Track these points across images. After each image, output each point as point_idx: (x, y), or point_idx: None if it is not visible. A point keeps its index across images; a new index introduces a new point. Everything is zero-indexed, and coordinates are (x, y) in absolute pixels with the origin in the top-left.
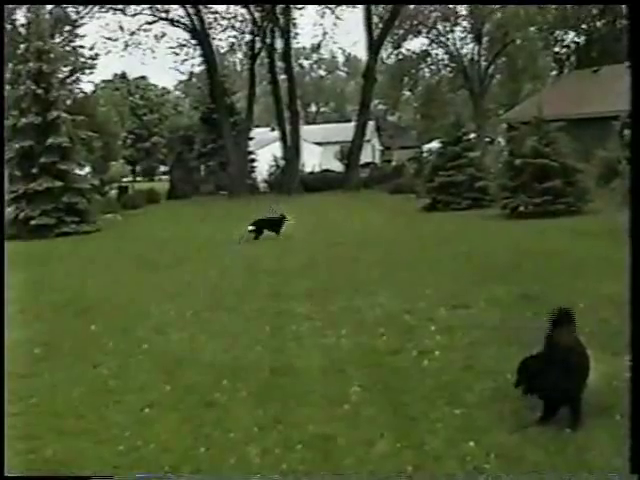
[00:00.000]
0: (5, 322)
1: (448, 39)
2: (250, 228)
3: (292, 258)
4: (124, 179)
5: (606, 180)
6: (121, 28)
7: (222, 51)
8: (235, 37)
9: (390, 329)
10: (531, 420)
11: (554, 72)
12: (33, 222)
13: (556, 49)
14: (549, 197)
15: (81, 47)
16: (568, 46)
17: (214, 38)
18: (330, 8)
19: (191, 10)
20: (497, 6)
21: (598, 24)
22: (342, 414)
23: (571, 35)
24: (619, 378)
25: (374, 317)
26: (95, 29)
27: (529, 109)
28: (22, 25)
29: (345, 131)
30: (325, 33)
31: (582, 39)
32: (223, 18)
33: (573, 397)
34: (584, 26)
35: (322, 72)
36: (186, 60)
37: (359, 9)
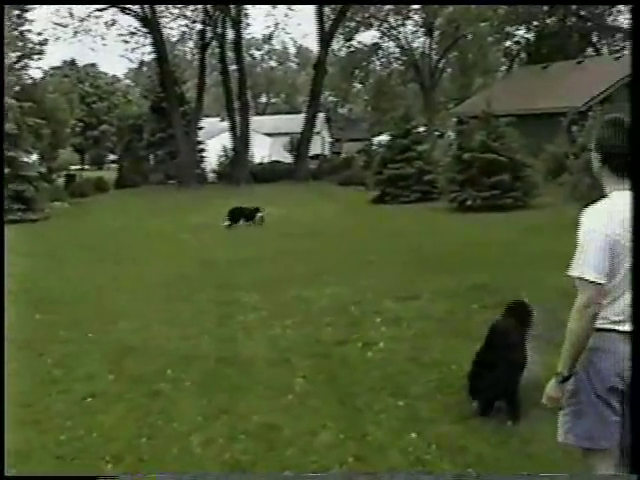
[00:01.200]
0: (5, 322)
1: (399, 32)
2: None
3: (241, 249)
4: (72, 167)
5: (554, 175)
6: (71, 14)
7: (173, 40)
8: (186, 26)
9: (336, 320)
10: (475, 411)
11: (504, 67)
12: None
13: (507, 44)
14: (497, 191)
15: (29, 32)
16: (519, 42)
17: (165, 27)
18: None
19: None
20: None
21: (548, 21)
22: (286, 404)
23: (522, 31)
24: None
25: (321, 308)
26: (45, 14)
27: (479, 103)
28: None
29: (295, 122)
30: (277, 24)
31: (532, 35)
32: (174, 7)
33: (507, 391)
34: (535, 22)
35: (273, 63)
36: (136, 48)
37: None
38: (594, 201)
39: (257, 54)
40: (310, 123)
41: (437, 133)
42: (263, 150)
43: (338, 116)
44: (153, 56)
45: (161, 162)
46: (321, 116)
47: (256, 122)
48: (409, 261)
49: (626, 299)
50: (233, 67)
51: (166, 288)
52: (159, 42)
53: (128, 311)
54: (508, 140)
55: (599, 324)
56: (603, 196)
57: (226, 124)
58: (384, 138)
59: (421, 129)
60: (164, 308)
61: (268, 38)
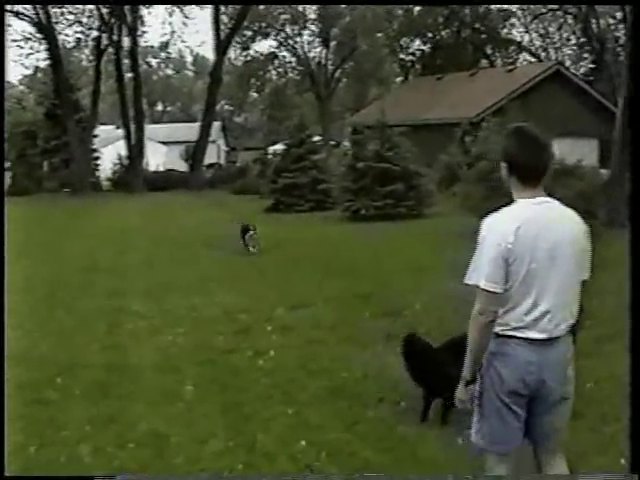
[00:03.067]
0: (5, 322)
1: (296, 42)
2: None
3: (132, 256)
4: None
5: (447, 185)
6: None
7: (68, 46)
8: (82, 33)
9: (227, 328)
10: (363, 418)
11: (400, 78)
12: None
13: (402, 56)
14: (391, 200)
15: None
16: (414, 53)
17: (60, 33)
18: (179, 7)
19: None
20: (346, 10)
21: (443, 33)
22: (175, 412)
23: (417, 42)
24: None
25: (212, 316)
26: None
27: (374, 113)
28: None
29: (191, 131)
30: (173, 32)
31: (428, 47)
32: (70, 13)
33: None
34: (430, 34)
35: (170, 71)
36: (31, 54)
37: (208, 8)
38: (488, 211)
39: (154, 62)
40: (205, 132)
41: (332, 142)
42: (158, 158)
43: (234, 125)
44: (48, 62)
45: (55, 169)
46: (217, 125)
47: (151, 130)
48: (301, 269)
49: (525, 306)
50: (129, 75)
51: (50, 297)
52: (54, 48)
53: (13, 319)
54: (402, 150)
55: (500, 330)
56: (506, 204)
57: (121, 132)
58: (279, 147)
59: (316, 138)
60: (48, 316)
61: (165, 46)
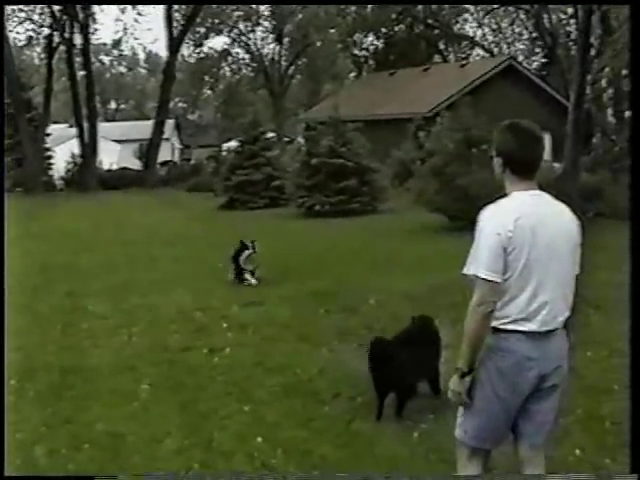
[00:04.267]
0: (5, 323)
1: (249, 39)
2: None
3: (87, 256)
4: None
5: (401, 180)
6: None
7: (19, 44)
8: (33, 30)
9: (183, 327)
10: (319, 414)
11: (353, 74)
12: None
13: (355, 52)
14: (345, 196)
15: None
16: (367, 49)
17: (11, 31)
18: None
19: None
20: (299, 7)
21: (397, 28)
22: (131, 412)
23: (370, 38)
24: None
25: (167, 315)
26: None
27: (327, 109)
28: None
29: (144, 129)
30: (126, 29)
31: (381, 42)
32: (21, 10)
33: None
34: (383, 30)
35: (122, 69)
36: None
37: (160, 5)
38: (440, 205)
39: (106, 60)
40: (159, 129)
41: (286, 139)
42: (112, 157)
43: (188, 122)
44: None
45: (8, 169)
46: (170, 122)
47: (105, 128)
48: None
49: (525, 296)
50: (81, 73)
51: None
52: (5, 46)
53: None
54: (355, 145)
55: (499, 323)
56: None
57: (74, 130)
58: (233, 144)
59: (270, 135)
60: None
61: (117, 43)
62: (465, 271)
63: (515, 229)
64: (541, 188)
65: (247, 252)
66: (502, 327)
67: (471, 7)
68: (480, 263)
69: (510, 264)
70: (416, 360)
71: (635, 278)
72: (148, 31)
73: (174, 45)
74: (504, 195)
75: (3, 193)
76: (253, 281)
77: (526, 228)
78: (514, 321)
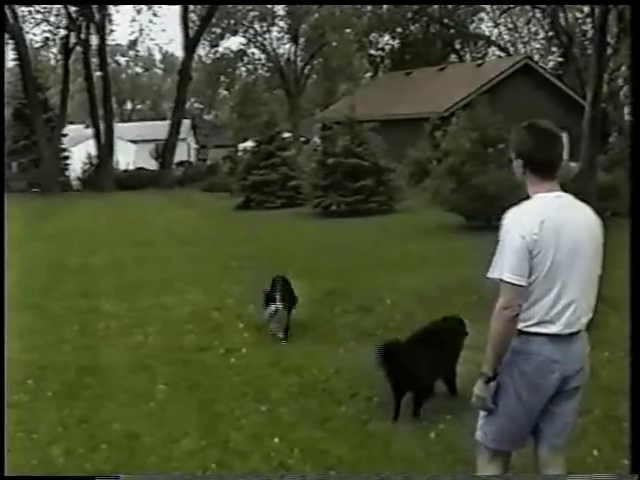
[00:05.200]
0: (5, 323)
1: (265, 39)
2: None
3: (102, 256)
4: None
5: (417, 180)
6: None
7: (36, 45)
8: (49, 32)
9: (198, 326)
10: (336, 414)
11: (369, 74)
12: None
13: (371, 51)
14: (361, 196)
15: None
16: (383, 49)
17: (28, 32)
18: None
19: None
20: (314, 6)
21: (412, 28)
22: (148, 412)
23: (386, 38)
24: None
25: (183, 315)
26: None
27: (343, 109)
28: None
29: (160, 129)
30: (141, 30)
31: (397, 42)
32: (37, 12)
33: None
34: (399, 29)
35: (139, 69)
36: None
37: (176, 6)
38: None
39: (122, 60)
40: (175, 130)
41: (302, 139)
42: (128, 157)
43: (204, 123)
44: (15, 62)
45: (24, 170)
46: (186, 123)
47: (121, 129)
48: (271, 266)
49: (550, 298)
50: (98, 73)
51: (19, 298)
52: (22, 47)
53: None
54: (371, 145)
55: (523, 326)
56: (526, 198)
57: (91, 131)
58: (249, 144)
59: (286, 135)
60: (17, 318)
61: (133, 44)
62: (489, 275)
63: (540, 232)
64: (563, 189)
65: (273, 308)
66: (526, 330)
67: (487, 6)
68: (505, 267)
69: (535, 267)
70: (433, 360)
71: (635, 283)
72: (163, 32)
73: (190, 45)
74: (526, 197)
75: (3, 193)
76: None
77: (551, 230)
78: (538, 323)
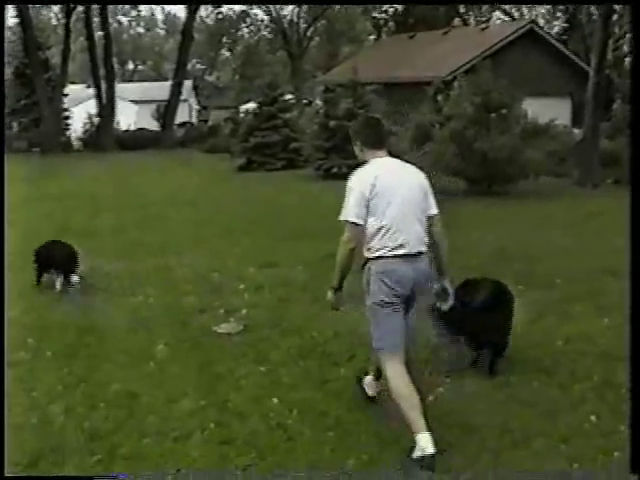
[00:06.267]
0: (5, 324)
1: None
2: None
3: (103, 217)
4: None
5: (419, 143)
6: None
7: (37, 5)
8: None
9: (198, 288)
10: (335, 376)
11: (373, 37)
12: None
13: (375, 14)
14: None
15: None
16: (386, 11)
17: None
18: None
19: None
20: None
21: None
22: (147, 372)
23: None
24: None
25: (183, 276)
26: None
27: (346, 72)
28: None
29: (162, 90)
30: None
31: (401, 5)
32: None
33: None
34: None
35: (140, 29)
36: None
37: None
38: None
39: (124, 20)
40: (177, 90)
41: (304, 101)
42: (129, 117)
43: (205, 84)
44: (16, 21)
45: (25, 129)
46: (188, 83)
47: (122, 89)
48: (271, 228)
49: (394, 231)
50: (99, 33)
51: (20, 259)
52: (22, 6)
53: None
54: (374, 108)
55: (382, 253)
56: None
57: (92, 91)
58: (251, 106)
59: (288, 97)
60: (18, 278)
61: (135, 4)
62: (340, 218)
63: (375, 182)
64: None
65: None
66: (385, 255)
67: None
68: (348, 211)
69: (382, 208)
70: (507, 317)
71: (634, 279)
72: None
73: (192, 6)
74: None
75: (3, 193)
76: None
77: (385, 181)
78: (392, 249)
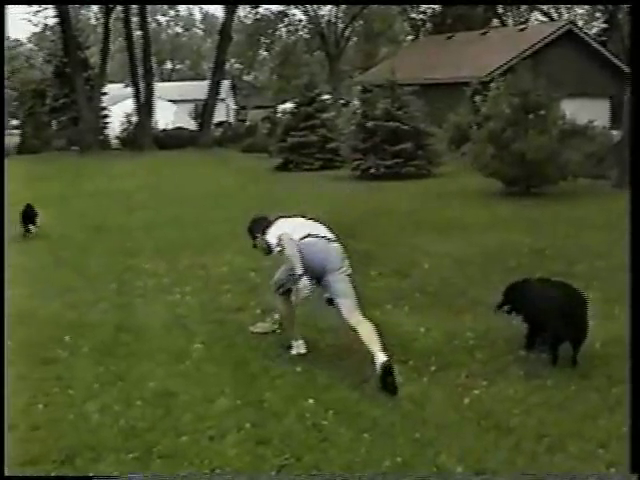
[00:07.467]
0: (5, 324)
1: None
2: None
3: (141, 214)
4: None
5: (457, 144)
6: None
7: (77, 5)
8: None
9: (235, 286)
10: (372, 376)
11: (410, 37)
12: None
13: (412, 14)
14: (400, 160)
15: None
16: (424, 12)
17: None
18: None
19: None
20: None
21: None
22: (184, 370)
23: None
24: (460, 337)
25: (220, 274)
26: None
27: (383, 72)
28: None
29: (200, 89)
30: None
31: (438, 5)
32: None
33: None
34: None
35: (179, 29)
36: (39, 11)
37: None
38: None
39: (162, 20)
40: (215, 90)
41: (342, 101)
42: (167, 117)
43: (243, 83)
44: (57, 20)
45: (64, 128)
46: (226, 83)
47: (160, 88)
48: None
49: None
50: (138, 33)
51: (58, 255)
52: (63, 6)
53: (16, 278)
54: (411, 109)
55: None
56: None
57: (130, 90)
58: (289, 106)
59: (326, 97)
60: (56, 275)
61: (174, 4)
62: None
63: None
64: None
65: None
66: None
67: None
68: None
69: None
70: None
71: (634, 281)
72: None
73: (231, 6)
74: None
75: (3, 193)
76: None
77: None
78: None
